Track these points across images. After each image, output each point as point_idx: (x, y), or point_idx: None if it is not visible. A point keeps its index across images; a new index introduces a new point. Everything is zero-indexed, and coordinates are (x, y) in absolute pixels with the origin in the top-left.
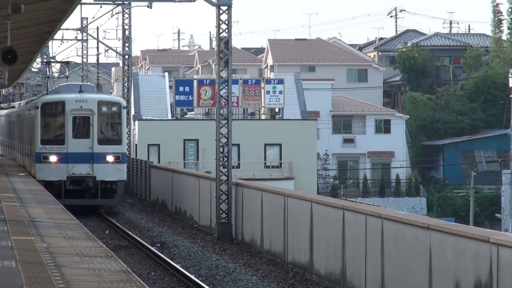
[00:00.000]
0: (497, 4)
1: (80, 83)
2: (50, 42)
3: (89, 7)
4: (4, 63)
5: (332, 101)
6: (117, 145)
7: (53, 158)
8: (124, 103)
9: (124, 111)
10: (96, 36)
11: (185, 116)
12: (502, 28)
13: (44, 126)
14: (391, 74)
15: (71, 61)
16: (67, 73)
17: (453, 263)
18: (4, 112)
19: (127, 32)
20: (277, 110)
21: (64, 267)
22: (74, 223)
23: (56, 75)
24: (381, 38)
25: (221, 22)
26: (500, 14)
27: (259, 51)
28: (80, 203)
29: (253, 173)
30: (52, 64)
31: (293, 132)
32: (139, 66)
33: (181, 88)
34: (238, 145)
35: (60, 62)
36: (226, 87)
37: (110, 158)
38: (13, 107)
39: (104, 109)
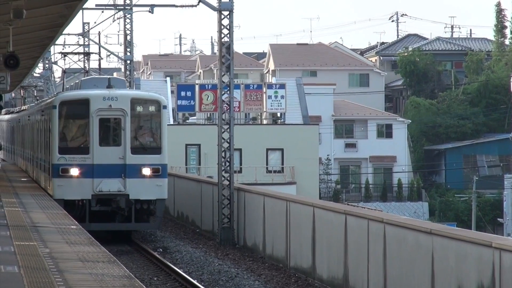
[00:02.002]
0: (501, 10)
1: (108, 76)
2: (51, 47)
3: (91, 12)
4: (6, 68)
5: (334, 105)
6: (155, 155)
7: (74, 172)
8: (164, 101)
9: (164, 112)
10: (97, 41)
11: (187, 121)
12: (505, 33)
13: (63, 131)
14: (392, 78)
15: (91, 52)
16: (87, 67)
17: (456, 268)
18: (13, 115)
19: (128, 37)
20: (279, 115)
21: (66, 272)
22: (76, 229)
23: (57, 79)
24: (382, 43)
25: (222, 27)
26: (503, 18)
27: (261, 56)
28: (109, 228)
29: (255, 178)
30: (54, 70)
31: (295, 137)
32: (141, 71)
33: (183, 93)
34: (240, 150)
35: (79, 53)
36: (228, 92)
37: (147, 171)
38: (25, 110)
39: (139, 108)
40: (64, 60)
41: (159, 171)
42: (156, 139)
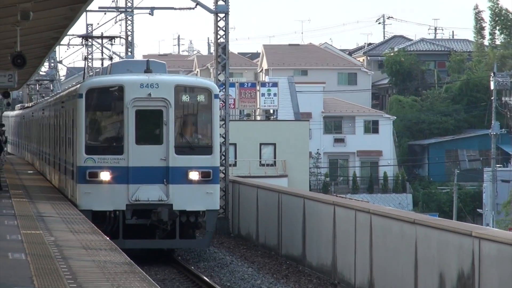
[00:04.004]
0: (479, 11)
1: (146, 59)
2: (56, 47)
3: (94, 14)
4: (14, 67)
5: (324, 103)
6: (205, 155)
7: (105, 176)
8: (216, 89)
9: (216, 102)
10: (100, 42)
11: None
12: (484, 34)
13: (91, 126)
14: (379, 77)
15: (116, 36)
16: (111, 53)
17: (438, 256)
18: (26, 110)
19: (130, 38)
20: (271, 111)
21: (71, 259)
22: (80, 218)
23: (62, 78)
24: (370, 44)
25: (218, 28)
26: (482, 20)
27: (255, 55)
28: (148, 246)
29: (249, 171)
30: (59, 69)
31: (287, 132)
32: None
33: None
34: (235, 145)
35: (103, 37)
36: (224, 90)
37: (194, 176)
38: (40, 103)
39: (186, 98)
40: (86, 45)
41: (209, 176)
42: (206, 136)
